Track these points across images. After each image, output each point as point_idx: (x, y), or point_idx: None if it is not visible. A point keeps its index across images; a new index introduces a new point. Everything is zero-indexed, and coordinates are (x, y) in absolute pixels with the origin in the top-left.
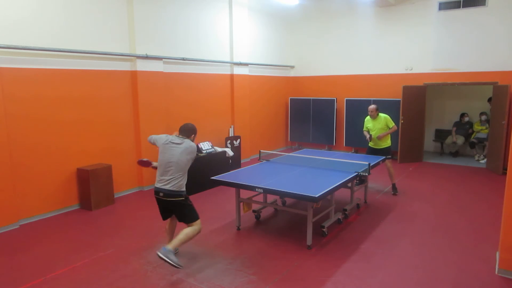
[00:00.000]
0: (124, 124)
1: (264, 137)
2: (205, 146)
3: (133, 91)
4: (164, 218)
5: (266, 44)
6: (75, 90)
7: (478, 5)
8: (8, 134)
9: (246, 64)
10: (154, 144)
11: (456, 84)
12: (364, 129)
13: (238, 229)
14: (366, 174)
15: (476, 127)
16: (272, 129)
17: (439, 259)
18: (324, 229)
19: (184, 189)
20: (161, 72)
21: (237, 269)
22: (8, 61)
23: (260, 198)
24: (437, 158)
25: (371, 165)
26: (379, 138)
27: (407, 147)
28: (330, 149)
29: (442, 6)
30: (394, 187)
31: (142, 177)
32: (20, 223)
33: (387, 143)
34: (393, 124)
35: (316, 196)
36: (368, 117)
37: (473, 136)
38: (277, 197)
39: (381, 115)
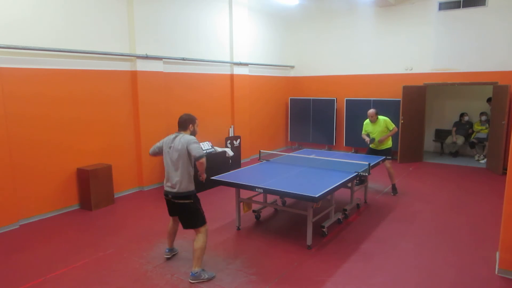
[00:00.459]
0: (124, 124)
1: (264, 137)
2: (205, 146)
3: (133, 91)
4: (171, 215)
5: (266, 44)
6: (75, 90)
7: (478, 5)
8: (8, 133)
9: (246, 64)
10: (158, 153)
11: (456, 84)
12: (363, 132)
13: (238, 229)
14: (366, 174)
15: (476, 127)
16: (272, 129)
17: (439, 259)
18: (324, 229)
19: (191, 188)
20: (161, 72)
21: (237, 269)
22: (8, 61)
23: (260, 198)
24: (437, 158)
25: (371, 165)
26: (381, 141)
27: (407, 147)
28: (330, 149)
29: (442, 6)
30: (394, 188)
31: (142, 177)
32: (20, 223)
33: (388, 144)
34: (393, 126)
35: (316, 196)
36: (367, 121)
37: (473, 136)
38: (277, 197)
39: (381, 118)
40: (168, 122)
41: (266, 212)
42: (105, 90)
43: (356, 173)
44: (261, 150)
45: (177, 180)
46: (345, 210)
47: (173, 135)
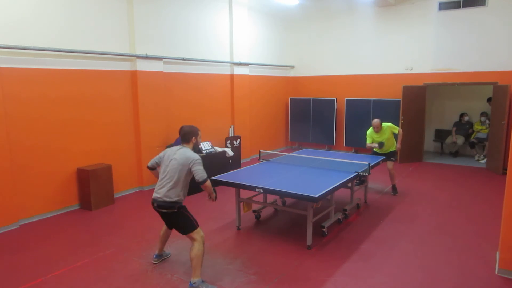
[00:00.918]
0: (124, 124)
1: (264, 137)
2: (205, 146)
3: (133, 91)
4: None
5: (266, 44)
6: (75, 90)
7: (478, 5)
8: (8, 134)
9: (246, 64)
10: (156, 168)
11: (456, 84)
12: (369, 142)
13: (238, 229)
14: (366, 174)
15: (476, 127)
16: (272, 129)
17: (439, 259)
18: (324, 229)
19: (177, 199)
20: (161, 72)
21: (237, 269)
22: (8, 61)
23: (260, 198)
24: (437, 158)
25: (371, 165)
26: (398, 148)
27: (407, 147)
28: (330, 149)
29: (442, 6)
30: (394, 188)
31: (142, 177)
32: (20, 223)
33: (393, 147)
34: (398, 128)
35: (316, 196)
36: (370, 130)
37: (473, 136)
38: (277, 197)
39: (384, 125)
40: (168, 122)
41: (266, 212)
42: (105, 90)
43: (356, 173)
44: (261, 150)
45: (167, 190)
46: (345, 210)
47: (176, 148)
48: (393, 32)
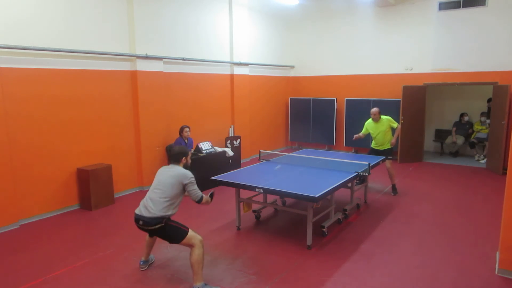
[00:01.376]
0: (124, 124)
1: (264, 137)
2: (205, 146)
3: (133, 91)
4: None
5: (266, 44)
6: (75, 90)
7: (478, 5)
8: (8, 134)
9: (246, 64)
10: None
11: (456, 84)
12: (363, 132)
13: (238, 229)
14: (366, 174)
15: (476, 127)
16: (272, 129)
17: (439, 259)
18: (324, 229)
19: (163, 214)
20: (161, 72)
21: (237, 269)
22: (8, 61)
23: (260, 198)
24: (437, 158)
25: (371, 165)
26: (392, 144)
27: (407, 147)
28: (330, 149)
29: (442, 6)
30: (394, 188)
31: (142, 177)
32: (20, 223)
33: (389, 144)
34: (397, 123)
35: (316, 196)
36: (369, 121)
37: (473, 136)
38: (277, 197)
39: (383, 117)
40: (168, 122)
41: (266, 212)
42: (105, 90)
43: (356, 173)
44: (261, 150)
45: (153, 205)
46: (345, 210)
47: (168, 167)
48: (393, 32)
